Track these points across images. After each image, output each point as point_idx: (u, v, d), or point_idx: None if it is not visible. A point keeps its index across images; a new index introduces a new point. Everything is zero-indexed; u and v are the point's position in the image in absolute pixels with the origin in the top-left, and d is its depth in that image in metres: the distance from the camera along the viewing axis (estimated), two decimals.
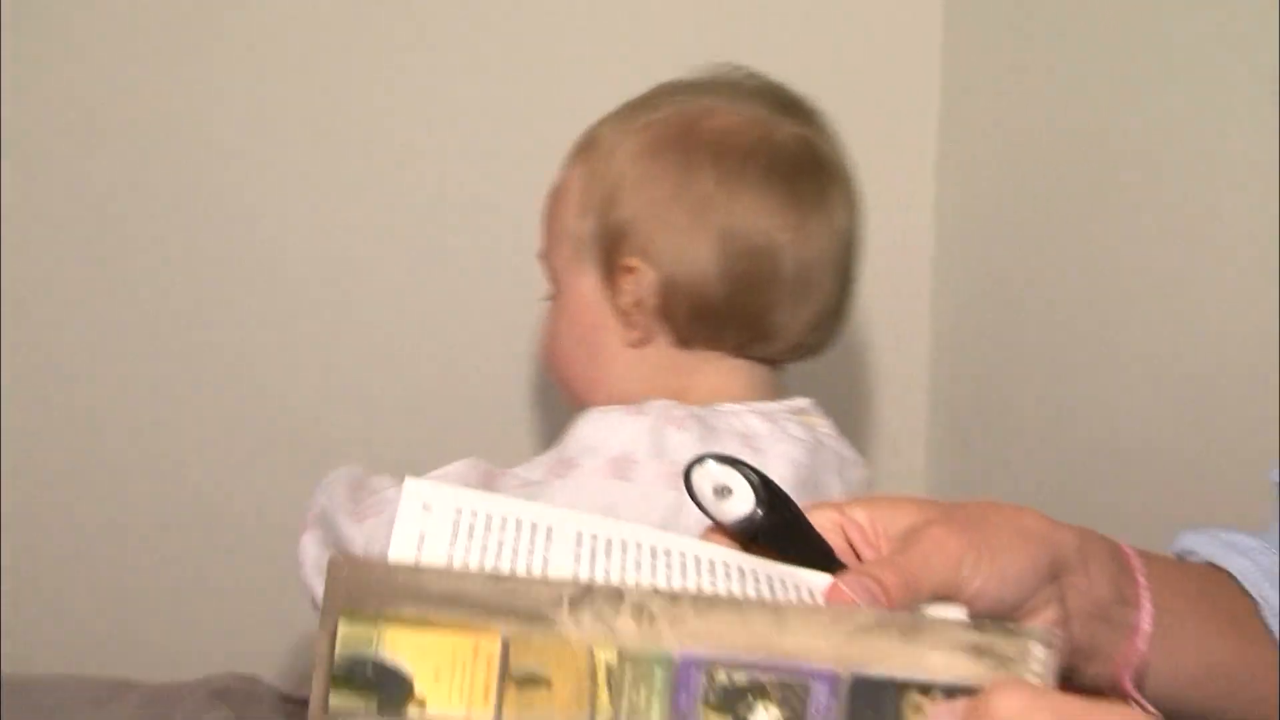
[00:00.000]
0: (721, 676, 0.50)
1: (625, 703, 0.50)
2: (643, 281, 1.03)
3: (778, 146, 1.02)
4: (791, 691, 0.50)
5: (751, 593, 0.54)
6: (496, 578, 0.51)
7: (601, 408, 1.04)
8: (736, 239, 1.01)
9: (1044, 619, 0.66)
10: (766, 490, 0.58)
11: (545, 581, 0.52)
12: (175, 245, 2.02)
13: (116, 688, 1.84)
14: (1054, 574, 0.67)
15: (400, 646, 0.49)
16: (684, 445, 0.95)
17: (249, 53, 2.02)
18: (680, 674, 0.50)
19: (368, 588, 0.50)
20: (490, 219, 2.05)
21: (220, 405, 2.05)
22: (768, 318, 1.05)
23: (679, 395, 1.03)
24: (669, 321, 1.04)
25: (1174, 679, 0.76)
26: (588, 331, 1.08)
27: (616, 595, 0.50)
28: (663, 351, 1.06)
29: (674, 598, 0.51)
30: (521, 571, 0.53)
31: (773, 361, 1.09)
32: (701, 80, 1.11)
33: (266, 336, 2.06)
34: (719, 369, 1.06)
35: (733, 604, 0.52)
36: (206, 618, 2.05)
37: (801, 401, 1.10)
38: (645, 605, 0.50)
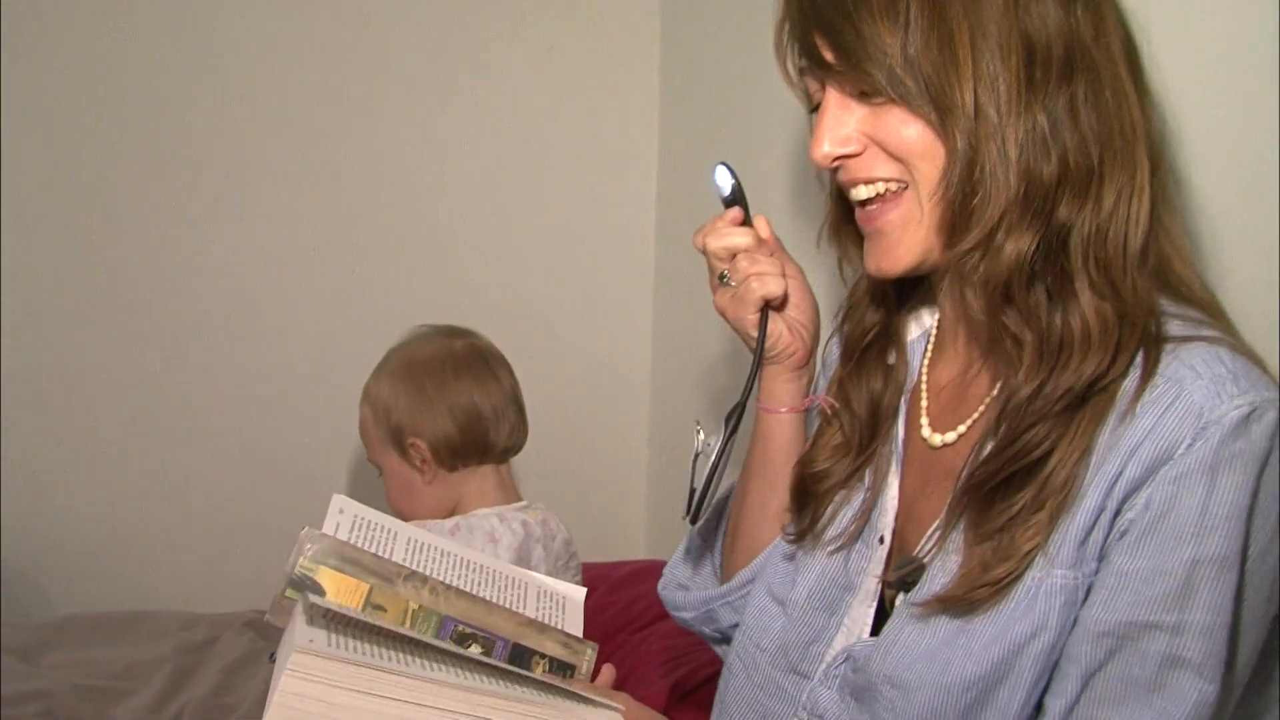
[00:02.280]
0: (461, 629, 1.06)
1: (418, 629, 1.05)
2: (420, 447, 1.63)
3: (459, 354, 1.64)
4: (489, 643, 1.05)
5: (492, 593, 1.09)
6: (374, 556, 1.08)
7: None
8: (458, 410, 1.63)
9: None
10: (736, 184, 1.12)
11: (393, 563, 1.08)
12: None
13: (151, 618, 2.05)
14: None
15: (322, 577, 1.06)
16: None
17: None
18: (444, 624, 1.05)
19: (315, 545, 1.06)
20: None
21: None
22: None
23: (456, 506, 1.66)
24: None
25: None
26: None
27: (423, 579, 1.06)
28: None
29: (449, 587, 1.07)
30: (384, 555, 1.09)
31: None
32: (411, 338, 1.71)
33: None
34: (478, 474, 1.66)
35: (473, 598, 1.07)
36: (226, 558, 2.20)
37: (525, 502, 1.69)
38: (436, 587, 1.06)
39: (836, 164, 1.00)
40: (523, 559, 1.57)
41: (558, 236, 2.31)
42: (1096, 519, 0.90)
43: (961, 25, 0.93)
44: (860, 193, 1.01)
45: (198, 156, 2.13)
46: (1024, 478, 0.93)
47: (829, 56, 0.97)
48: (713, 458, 1.10)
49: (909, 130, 0.96)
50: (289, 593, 1.02)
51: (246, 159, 2.15)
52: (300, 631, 0.90)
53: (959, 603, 0.93)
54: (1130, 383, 0.91)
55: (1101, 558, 0.90)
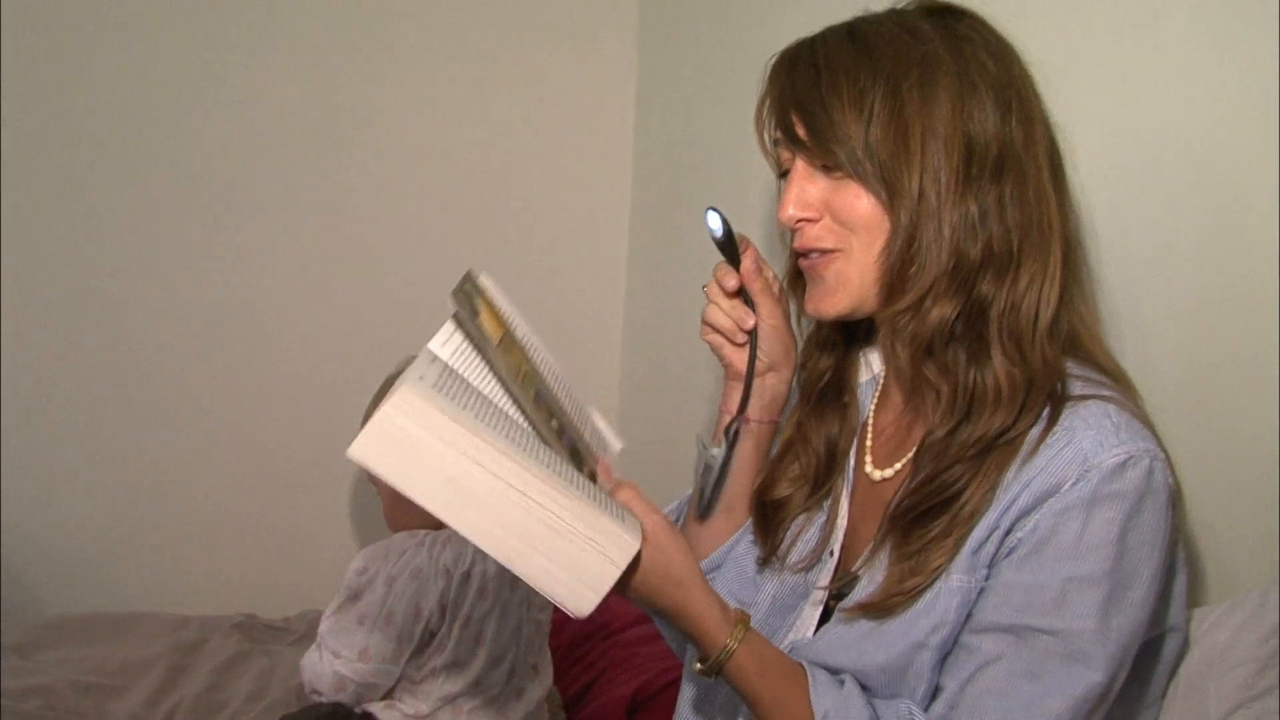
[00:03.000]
0: (548, 405, 1.09)
1: (522, 387, 1.06)
2: None
3: None
4: (561, 429, 1.08)
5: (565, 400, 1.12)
6: (511, 311, 1.13)
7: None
8: None
9: None
10: (725, 228, 1.22)
11: (521, 326, 1.13)
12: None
13: (144, 619, 2.13)
14: None
15: (479, 302, 1.09)
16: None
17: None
18: (539, 395, 1.08)
19: (475, 282, 1.12)
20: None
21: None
22: None
23: None
24: None
25: None
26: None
27: (529, 353, 1.09)
28: None
29: (543, 371, 1.10)
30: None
31: None
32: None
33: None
34: None
35: (557, 390, 1.09)
36: (214, 562, 2.25)
37: None
38: (537, 363, 1.09)
39: (797, 226, 1.16)
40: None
41: (533, 255, 2.41)
42: (990, 534, 1.06)
43: (915, 122, 1.09)
44: (810, 256, 1.17)
45: (198, 157, 2.19)
46: (939, 510, 1.09)
47: (801, 133, 1.13)
48: (717, 467, 1.27)
49: (861, 203, 1.11)
50: (458, 292, 1.11)
51: (244, 164, 2.21)
52: (414, 368, 1.00)
53: (877, 609, 1.10)
54: (1036, 431, 1.07)
55: (992, 567, 1.06)
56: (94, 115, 2.13)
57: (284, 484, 2.29)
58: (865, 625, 1.11)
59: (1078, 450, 1.04)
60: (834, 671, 1.11)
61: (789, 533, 1.25)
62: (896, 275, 1.11)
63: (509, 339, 1.12)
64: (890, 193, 1.10)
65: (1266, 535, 1.25)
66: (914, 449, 1.16)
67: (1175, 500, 1.07)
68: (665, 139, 2.37)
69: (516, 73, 2.35)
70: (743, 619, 1.09)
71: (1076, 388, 1.09)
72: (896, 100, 1.09)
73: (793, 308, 1.27)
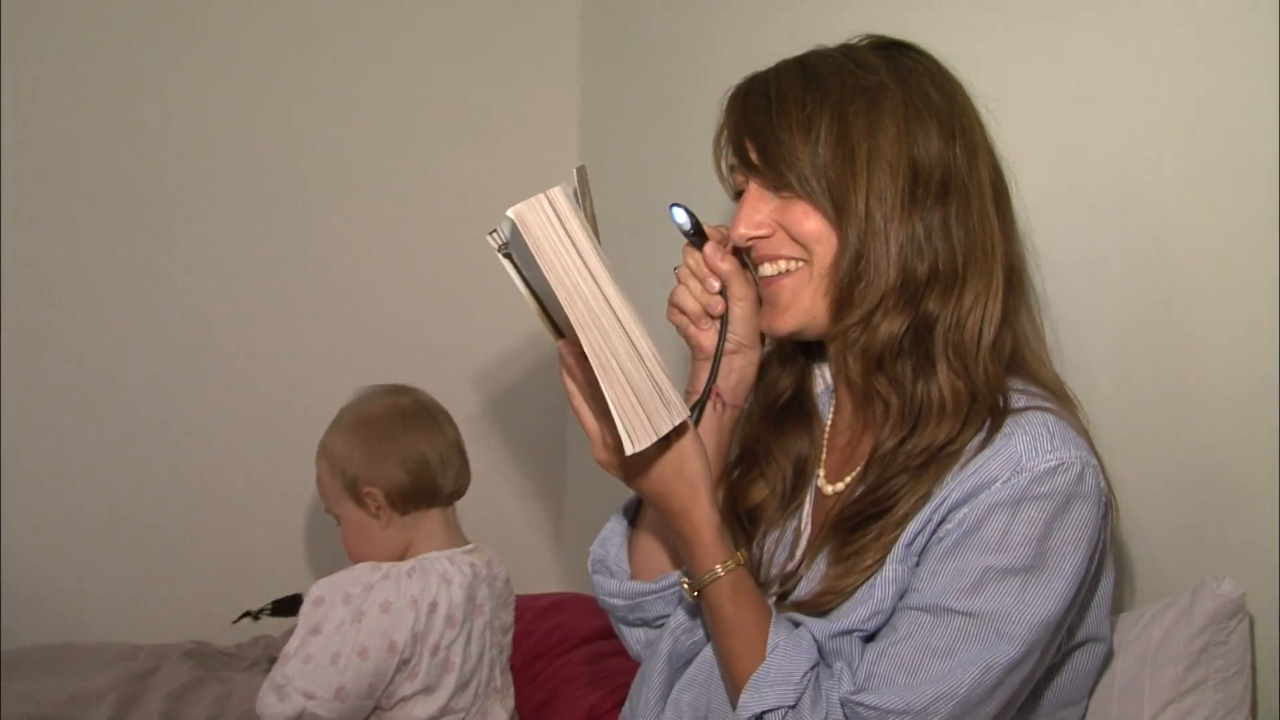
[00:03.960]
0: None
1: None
2: (375, 494, 1.76)
3: (406, 409, 1.79)
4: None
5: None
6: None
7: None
8: (409, 459, 1.77)
9: None
10: (692, 219, 1.26)
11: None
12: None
13: (92, 650, 2.09)
14: None
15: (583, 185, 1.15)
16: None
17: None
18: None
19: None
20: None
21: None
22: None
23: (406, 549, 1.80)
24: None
25: None
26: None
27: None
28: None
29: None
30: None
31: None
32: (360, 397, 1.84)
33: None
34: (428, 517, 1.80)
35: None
36: (160, 591, 2.23)
37: (471, 545, 1.83)
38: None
39: (749, 243, 1.22)
40: (471, 598, 1.74)
41: (477, 266, 2.34)
42: (924, 527, 1.12)
43: (861, 145, 1.16)
44: (765, 269, 1.23)
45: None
46: (877, 517, 1.14)
47: (754, 157, 1.19)
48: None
49: (810, 222, 1.18)
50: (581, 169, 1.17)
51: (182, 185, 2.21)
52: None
53: (811, 605, 1.16)
54: (976, 442, 1.13)
55: (922, 555, 1.12)
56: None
57: (237, 511, 2.29)
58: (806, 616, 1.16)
59: (1012, 453, 1.10)
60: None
61: (765, 550, 1.28)
62: (845, 291, 1.17)
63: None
64: (837, 210, 1.16)
65: (1195, 538, 1.32)
66: (864, 461, 1.21)
67: (1108, 508, 1.13)
68: (611, 151, 2.39)
69: (459, 85, 2.38)
70: (736, 555, 1.14)
71: (1017, 400, 1.15)
72: (843, 124, 1.16)
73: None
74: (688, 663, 1.24)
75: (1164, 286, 1.35)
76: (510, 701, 1.83)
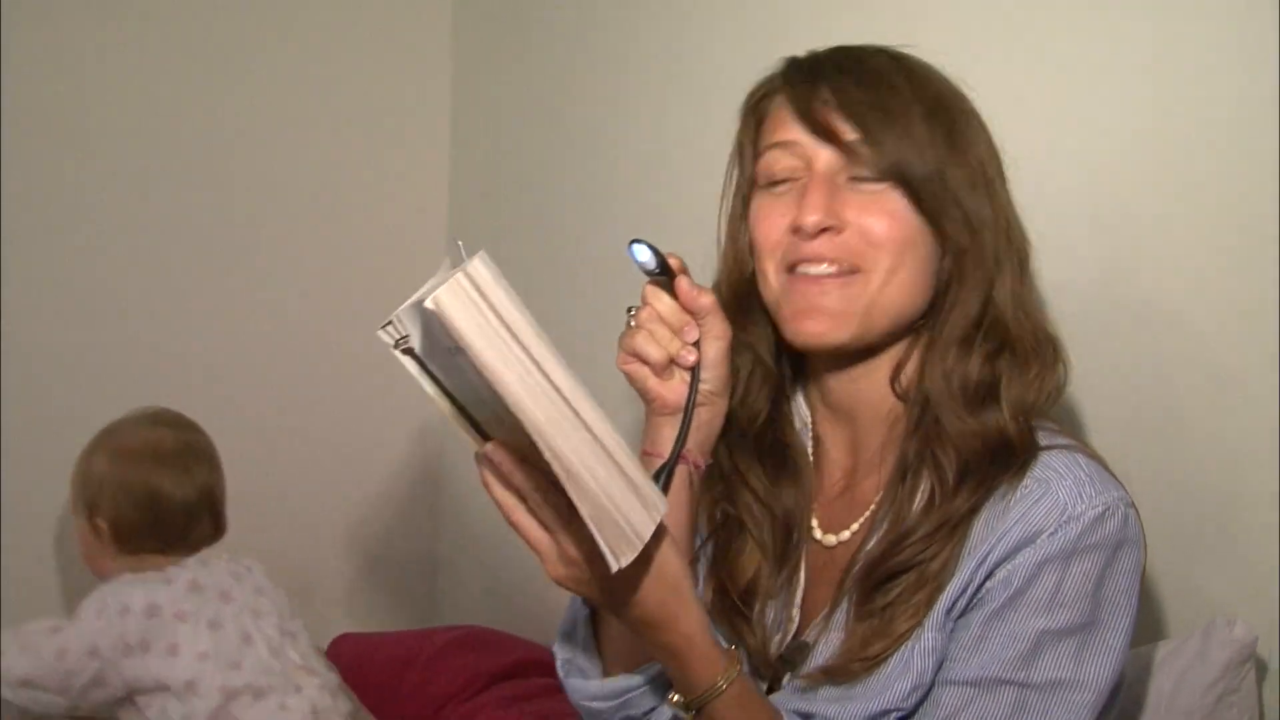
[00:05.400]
0: None
1: None
2: (101, 527, 1.68)
3: (166, 447, 1.68)
4: None
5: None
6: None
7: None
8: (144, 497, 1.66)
9: None
10: (657, 256, 1.06)
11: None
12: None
13: None
14: None
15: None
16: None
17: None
18: None
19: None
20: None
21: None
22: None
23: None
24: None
25: None
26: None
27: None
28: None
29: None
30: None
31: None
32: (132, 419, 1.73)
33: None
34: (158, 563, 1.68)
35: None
36: None
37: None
38: None
39: (818, 234, 1.04)
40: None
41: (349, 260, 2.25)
42: (964, 590, 1.00)
43: (969, 150, 1.06)
44: (820, 268, 1.06)
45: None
46: (907, 569, 1.01)
47: (852, 136, 1.04)
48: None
49: (906, 219, 1.04)
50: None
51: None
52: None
53: (840, 673, 1.02)
54: (1005, 478, 1.02)
55: (961, 618, 1.00)
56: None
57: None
58: (831, 692, 1.03)
59: (1055, 501, 0.99)
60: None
61: (768, 624, 1.11)
62: (931, 307, 1.06)
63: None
64: (939, 213, 1.04)
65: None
66: (869, 510, 1.08)
67: (1144, 546, 1.04)
68: (483, 140, 2.26)
69: (331, 78, 2.21)
70: (733, 658, 0.98)
71: (1040, 437, 1.05)
72: (951, 122, 1.06)
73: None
74: None
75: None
76: (334, 679, 1.72)
